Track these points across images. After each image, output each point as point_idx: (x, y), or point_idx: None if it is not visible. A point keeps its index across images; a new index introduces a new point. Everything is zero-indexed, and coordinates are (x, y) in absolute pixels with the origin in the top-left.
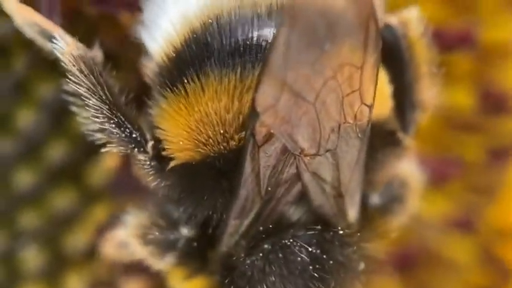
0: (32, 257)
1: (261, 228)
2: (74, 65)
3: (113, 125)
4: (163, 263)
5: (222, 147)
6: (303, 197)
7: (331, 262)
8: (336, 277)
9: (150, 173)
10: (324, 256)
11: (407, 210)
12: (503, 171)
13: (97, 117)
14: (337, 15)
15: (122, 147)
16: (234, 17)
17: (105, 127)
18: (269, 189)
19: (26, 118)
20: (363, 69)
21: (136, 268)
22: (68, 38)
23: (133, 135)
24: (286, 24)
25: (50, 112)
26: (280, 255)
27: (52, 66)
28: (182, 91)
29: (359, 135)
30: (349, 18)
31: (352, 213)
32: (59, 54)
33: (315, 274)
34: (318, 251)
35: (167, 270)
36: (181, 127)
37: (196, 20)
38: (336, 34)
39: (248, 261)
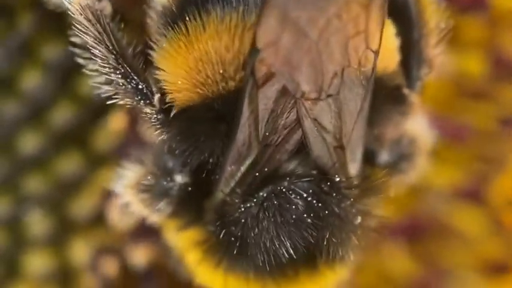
0: (37, 223)
1: (258, 176)
2: (81, 14)
3: (120, 76)
4: (157, 213)
5: (220, 87)
6: (302, 147)
7: (326, 212)
8: (330, 228)
9: (156, 126)
10: (320, 206)
11: (415, 169)
12: None
13: (104, 67)
14: None
15: (129, 99)
16: None
17: (112, 78)
18: (267, 134)
19: (31, 80)
20: (369, 10)
21: (143, 234)
22: None
23: (140, 87)
24: None
25: (56, 74)
26: (275, 202)
27: (58, 27)
28: (183, 29)
29: (363, 82)
30: None
31: (353, 168)
32: (67, 3)
33: (309, 222)
34: (314, 200)
35: (162, 222)
36: (181, 66)
37: None
38: None
39: (242, 208)
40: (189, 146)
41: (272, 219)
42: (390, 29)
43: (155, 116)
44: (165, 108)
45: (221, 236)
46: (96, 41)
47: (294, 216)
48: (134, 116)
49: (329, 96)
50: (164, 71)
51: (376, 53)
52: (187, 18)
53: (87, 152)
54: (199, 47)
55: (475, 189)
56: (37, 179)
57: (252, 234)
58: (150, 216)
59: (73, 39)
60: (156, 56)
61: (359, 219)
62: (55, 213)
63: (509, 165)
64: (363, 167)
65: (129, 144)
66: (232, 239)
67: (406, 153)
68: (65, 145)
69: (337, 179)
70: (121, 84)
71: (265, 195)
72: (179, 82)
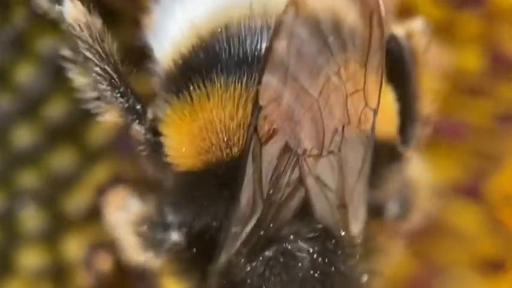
0: (30, 218)
1: (263, 235)
2: (80, 30)
3: (117, 94)
4: (142, 258)
5: (224, 154)
6: (306, 207)
7: (332, 270)
8: (337, 286)
9: (146, 146)
10: (325, 264)
11: (418, 213)
12: (510, 138)
13: (99, 83)
14: (342, 9)
15: (118, 116)
16: (244, 27)
17: (105, 95)
18: (271, 192)
19: (25, 73)
20: (367, 68)
21: None
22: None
23: (135, 106)
24: (290, 12)
25: (50, 68)
26: (281, 260)
27: (52, 21)
28: (187, 97)
29: (363, 141)
30: (353, 13)
31: (356, 227)
32: (66, 17)
33: (316, 280)
34: (319, 259)
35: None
36: (185, 133)
37: (204, 28)
38: (340, 28)
39: (248, 268)
40: (191, 211)
41: (278, 278)
42: (390, 95)
43: (144, 135)
44: (153, 130)
45: None
46: (93, 57)
47: (300, 275)
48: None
49: (330, 153)
50: (168, 137)
51: (375, 111)
52: (191, 88)
53: (81, 146)
54: (203, 115)
55: (473, 186)
56: (31, 174)
57: None
58: (134, 257)
59: (65, 52)
60: (159, 120)
61: (365, 277)
62: (49, 208)
63: (507, 162)
64: (368, 226)
65: (125, 139)
66: None
67: (408, 199)
68: (59, 140)
69: (342, 238)
70: (116, 101)
71: (270, 254)
72: (183, 149)
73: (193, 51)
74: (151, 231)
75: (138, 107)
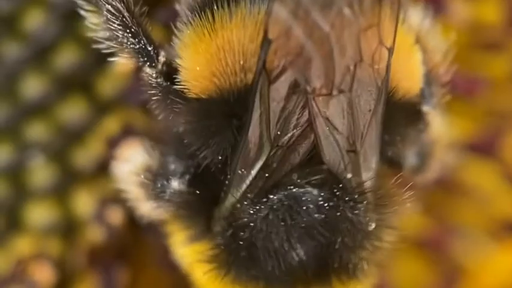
0: (40, 172)
1: (269, 179)
2: None
3: (128, 34)
4: (145, 208)
5: (238, 80)
6: (314, 151)
7: (338, 216)
8: (342, 232)
9: (156, 90)
10: (332, 210)
11: (436, 165)
12: None
13: (111, 23)
14: None
15: (131, 58)
16: None
17: (118, 35)
18: (279, 133)
19: (34, 20)
20: (381, 4)
21: None
22: None
23: (146, 47)
24: None
25: (60, 14)
26: (286, 204)
27: None
28: (210, 16)
29: (377, 81)
30: None
31: (366, 176)
32: None
33: (321, 226)
34: (326, 204)
35: (170, 234)
36: (202, 53)
37: None
38: None
39: (252, 212)
40: (198, 141)
41: (282, 222)
42: (417, 55)
43: (155, 79)
44: (166, 73)
45: (230, 242)
46: None
47: (304, 219)
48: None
49: (341, 92)
50: (184, 58)
51: (391, 50)
52: (215, 6)
53: (91, 97)
54: (223, 35)
55: (489, 143)
56: (40, 126)
57: (262, 238)
58: (139, 208)
59: None
60: (178, 43)
61: (373, 225)
62: (58, 161)
63: None
64: (381, 176)
65: (136, 89)
66: (241, 243)
67: (427, 151)
68: (69, 90)
69: (350, 184)
70: (127, 42)
71: (275, 198)
72: (197, 68)
73: None
74: (153, 181)
75: (150, 48)
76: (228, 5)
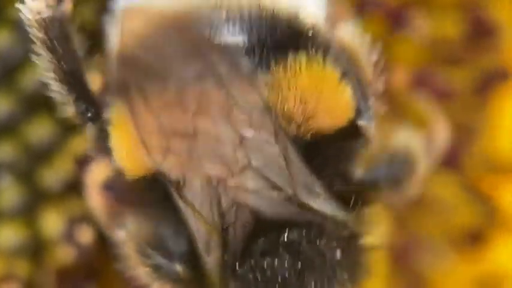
0: (7, 192)
1: (235, 253)
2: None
3: (69, 94)
4: (138, 272)
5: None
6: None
7: (311, 255)
8: (314, 268)
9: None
10: (305, 254)
11: (417, 180)
12: (489, 106)
13: (54, 80)
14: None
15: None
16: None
17: (61, 92)
18: (216, 220)
19: (1, 39)
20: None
21: None
22: None
23: (87, 110)
24: None
25: (26, 34)
26: (266, 261)
27: None
28: (116, 112)
29: (272, 141)
30: None
31: (319, 202)
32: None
33: (296, 275)
34: (300, 249)
35: None
36: (128, 137)
37: None
38: None
39: (240, 274)
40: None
41: (264, 276)
42: (346, 90)
43: (95, 140)
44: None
45: None
46: (45, 49)
47: (281, 273)
48: None
49: (244, 168)
50: (115, 138)
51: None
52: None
53: (58, 116)
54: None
55: (452, 154)
56: (7, 145)
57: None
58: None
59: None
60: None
61: (339, 254)
62: (26, 181)
63: (487, 132)
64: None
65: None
66: None
67: (401, 172)
68: (37, 109)
69: (310, 226)
70: (67, 100)
71: (251, 262)
72: (125, 153)
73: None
74: (153, 255)
75: (90, 113)
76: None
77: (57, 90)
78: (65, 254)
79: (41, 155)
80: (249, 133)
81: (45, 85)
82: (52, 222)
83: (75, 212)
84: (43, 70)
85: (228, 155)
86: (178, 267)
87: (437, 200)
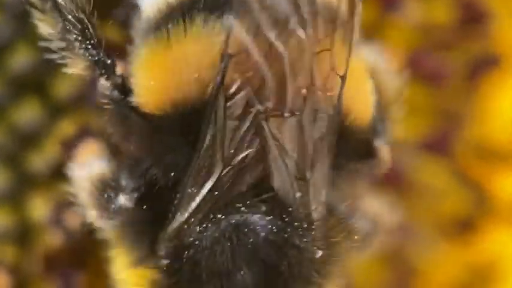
0: None
1: (218, 200)
2: None
3: (87, 44)
4: (91, 216)
5: (193, 93)
6: (265, 175)
7: (285, 240)
8: (290, 259)
9: (111, 103)
10: (279, 235)
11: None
12: (480, 93)
13: (70, 33)
14: None
15: (88, 70)
16: None
17: (75, 45)
18: (232, 152)
19: None
20: (334, 29)
21: None
22: None
23: (105, 59)
24: None
25: (13, 14)
26: (234, 224)
27: None
28: (165, 33)
29: (328, 109)
30: None
31: (315, 205)
32: None
33: (268, 249)
34: (274, 228)
35: (113, 256)
36: (156, 68)
37: None
38: None
39: (198, 230)
40: (150, 157)
41: (228, 242)
42: (369, 84)
43: (110, 91)
44: (121, 87)
45: (173, 263)
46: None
47: (251, 240)
48: None
49: (293, 114)
50: (138, 73)
51: (343, 79)
52: (170, 24)
53: (46, 99)
54: (178, 49)
55: (441, 141)
56: None
57: (206, 256)
58: (87, 217)
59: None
60: (132, 60)
61: (320, 253)
62: (12, 165)
63: (476, 118)
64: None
65: (91, 91)
66: (185, 262)
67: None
68: (23, 92)
69: (298, 212)
70: (84, 53)
71: (223, 218)
72: (152, 83)
73: None
74: (102, 191)
75: (108, 61)
76: (184, 21)
77: (71, 42)
78: (52, 239)
79: (28, 139)
80: (319, 86)
81: (33, 66)
82: (39, 206)
83: (62, 196)
84: (53, 25)
85: (291, 92)
86: (123, 199)
87: (427, 187)
